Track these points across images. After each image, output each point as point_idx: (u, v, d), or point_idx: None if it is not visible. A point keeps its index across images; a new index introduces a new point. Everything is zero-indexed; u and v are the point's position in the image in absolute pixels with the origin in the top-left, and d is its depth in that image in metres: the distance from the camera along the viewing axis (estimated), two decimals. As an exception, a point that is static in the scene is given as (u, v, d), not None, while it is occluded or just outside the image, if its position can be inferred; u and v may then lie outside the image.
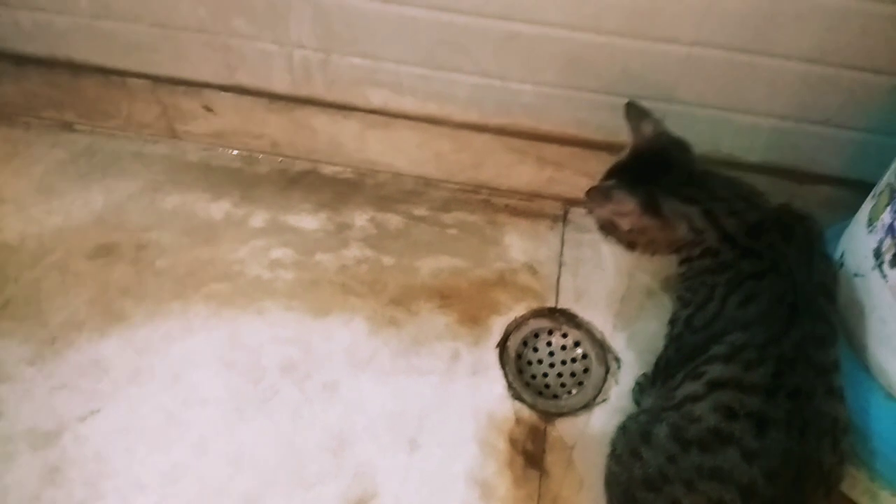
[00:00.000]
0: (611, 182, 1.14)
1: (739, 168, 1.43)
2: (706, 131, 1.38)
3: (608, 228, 1.18)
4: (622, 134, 1.39)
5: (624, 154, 1.19)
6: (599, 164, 1.46)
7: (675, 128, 1.36)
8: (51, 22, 1.42)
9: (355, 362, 1.36)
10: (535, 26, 1.25)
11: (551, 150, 1.47)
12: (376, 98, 1.45)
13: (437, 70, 1.37)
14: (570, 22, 1.24)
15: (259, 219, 1.55)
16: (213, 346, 1.37)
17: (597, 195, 1.12)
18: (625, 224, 1.14)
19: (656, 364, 1.18)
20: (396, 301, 1.44)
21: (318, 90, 1.46)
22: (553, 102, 1.38)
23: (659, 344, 1.17)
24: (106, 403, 1.29)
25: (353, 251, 1.51)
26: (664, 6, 1.18)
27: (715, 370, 0.98)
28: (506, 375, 1.35)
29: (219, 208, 1.57)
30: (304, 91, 1.47)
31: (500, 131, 1.46)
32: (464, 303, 1.44)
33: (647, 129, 1.17)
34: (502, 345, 1.38)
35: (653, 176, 1.11)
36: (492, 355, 1.37)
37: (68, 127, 1.68)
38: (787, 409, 0.93)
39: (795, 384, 0.94)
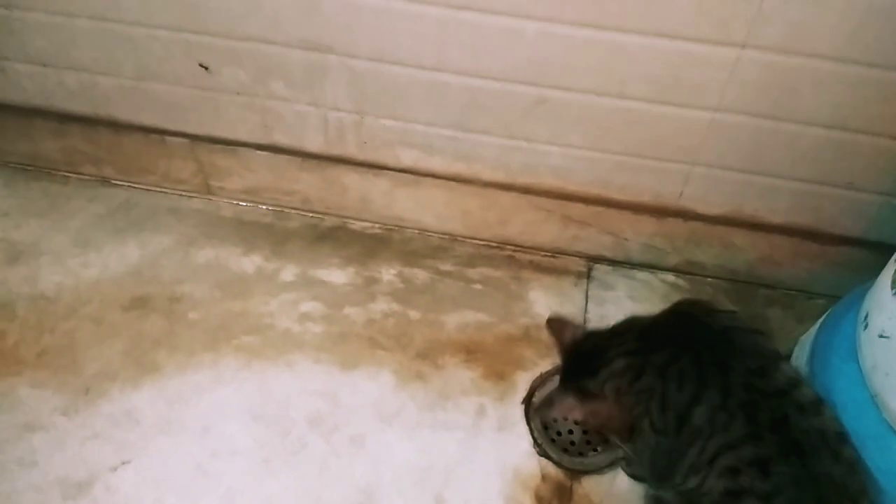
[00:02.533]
0: (551, 392, 1.28)
1: (762, 229, 1.46)
2: (729, 193, 1.41)
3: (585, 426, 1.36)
4: (646, 195, 1.45)
5: (556, 364, 1.30)
6: (623, 223, 1.52)
7: (699, 189, 1.41)
8: (95, 83, 1.49)
9: (382, 416, 1.37)
10: (563, 92, 1.30)
11: (576, 209, 1.50)
12: (406, 158, 1.50)
13: (467, 132, 1.42)
14: (596, 88, 1.28)
15: (289, 273, 1.59)
16: (242, 397, 1.39)
17: (543, 408, 1.30)
18: (578, 417, 1.28)
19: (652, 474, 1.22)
20: (423, 355, 1.46)
21: (350, 150, 1.51)
22: (579, 164, 1.42)
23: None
24: (137, 454, 1.31)
25: (381, 305, 1.54)
26: (688, 75, 1.22)
27: (708, 449, 1.03)
28: (531, 431, 1.35)
29: (250, 262, 1.60)
30: (336, 150, 1.52)
31: (527, 190, 1.49)
32: (489, 357, 1.45)
33: (568, 334, 1.26)
34: (528, 400, 1.40)
35: (580, 371, 1.21)
36: (517, 411, 1.38)
37: (106, 182, 1.74)
38: (776, 441, 0.98)
39: (769, 417, 1.00)
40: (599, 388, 1.18)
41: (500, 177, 1.48)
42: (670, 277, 1.60)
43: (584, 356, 1.22)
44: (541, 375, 1.42)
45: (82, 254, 1.60)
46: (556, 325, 1.29)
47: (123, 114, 1.55)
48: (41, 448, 1.31)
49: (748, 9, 1.11)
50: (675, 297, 1.51)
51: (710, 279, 1.60)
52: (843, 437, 1.02)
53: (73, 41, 1.42)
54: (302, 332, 1.49)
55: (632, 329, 1.20)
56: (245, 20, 1.32)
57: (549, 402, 1.26)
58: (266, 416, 1.36)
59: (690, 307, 1.19)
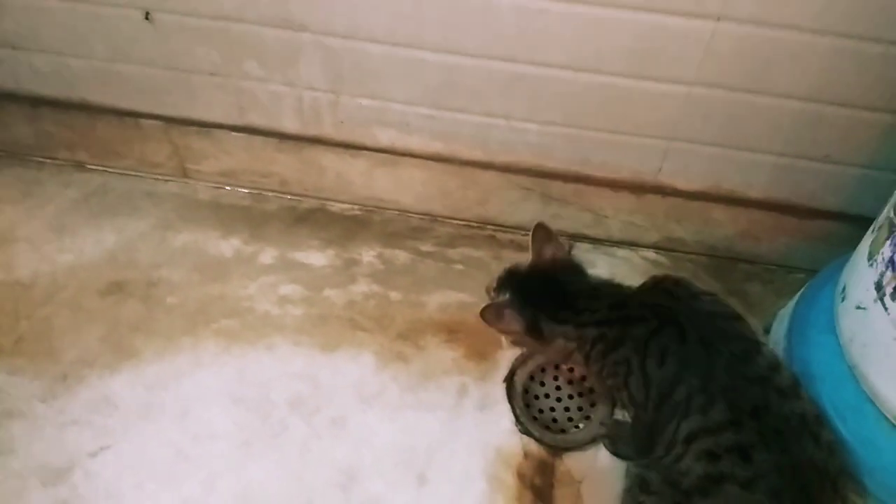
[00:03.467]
0: (504, 301, 1.23)
1: (741, 204, 1.46)
2: (707, 168, 1.41)
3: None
4: (624, 171, 1.45)
5: (523, 268, 1.26)
6: (603, 200, 1.52)
7: (677, 165, 1.41)
8: (67, 65, 1.46)
9: (363, 397, 1.37)
10: (540, 68, 1.29)
11: (556, 187, 1.50)
12: (384, 137, 1.48)
13: (444, 110, 1.41)
14: (572, 63, 1.27)
15: (268, 255, 1.58)
16: (222, 381, 1.38)
17: (490, 314, 1.22)
18: (512, 338, 1.28)
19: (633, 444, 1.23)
20: (404, 336, 1.46)
21: (327, 130, 1.50)
22: (557, 141, 1.41)
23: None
24: (116, 439, 1.30)
25: (361, 287, 1.53)
26: (664, 48, 1.21)
27: (682, 429, 1.03)
28: (513, 410, 1.36)
29: (228, 245, 1.59)
30: (313, 131, 1.50)
31: (506, 169, 1.49)
32: (471, 337, 1.45)
33: (548, 252, 1.25)
34: (509, 379, 1.40)
35: (541, 298, 1.20)
36: (499, 390, 1.38)
37: (81, 167, 1.71)
38: (757, 428, 0.98)
39: (750, 403, 1.00)
40: (551, 332, 1.19)
41: (478, 155, 1.47)
42: (651, 254, 1.60)
43: (555, 287, 1.20)
44: (522, 354, 1.42)
45: (58, 239, 1.58)
46: (541, 234, 1.25)
47: (96, 96, 1.53)
48: (19, 435, 1.30)
49: (722, -19, 1.11)
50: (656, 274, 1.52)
51: (690, 255, 1.60)
52: (821, 419, 1.03)
53: (43, 22, 1.40)
54: (281, 315, 1.48)
55: (608, 295, 1.19)
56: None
57: (497, 312, 1.22)
58: (246, 399, 1.35)
59: (674, 286, 1.18)
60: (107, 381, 1.37)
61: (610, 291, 1.21)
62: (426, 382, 1.39)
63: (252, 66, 1.40)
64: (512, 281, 1.25)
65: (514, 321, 1.21)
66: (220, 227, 1.62)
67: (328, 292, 1.52)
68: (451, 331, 1.46)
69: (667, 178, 1.44)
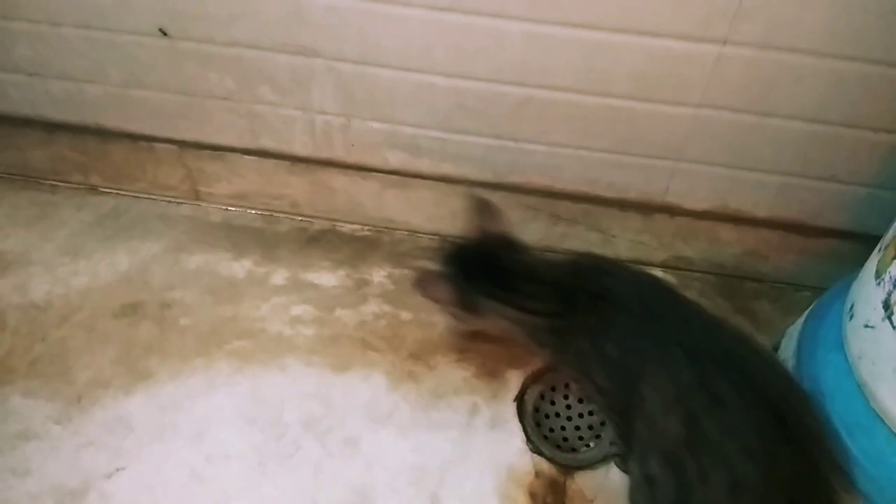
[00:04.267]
0: (440, 272, 1.23)
1: (748, 223, 1.48)
2: (714, 188, 1.43)
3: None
4: (632, 191, 1.46)
5: (463, 241, 1.27)
6: (610, 220, 1.53)
7: (684, 185, 1.42)
8: (81, 90, 1.48)
9: (376, 417, 1.38)
10: (548, 91, 1.31)
11: (564, 207, 1.52)
12: (394, 159, 1.50)
13: (454, 133, 1.42)
14: (580, 86, 1.29)
15: (280, 276, 1.59)
16: (235, 402, 1.39)
17: (424, 283, 1.23)
18: (446, 310, 1.27)
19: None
20: (415, 355, 1.47)
21: (338, 153, 1.52)
22: (565, 162, 1.43)
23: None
24: (131, 461, 1.31)
25: (372, 307, 1.54)
26: (671, 72, 1.23)
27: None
28: (524, 429, 1.36)
29: (241, 267, 1.60)
30: (324, 154, 1.52)
31: (514, 189, 1.50)
32: (481, 356, 1.46)
33: (487, 224, 1.25)
34: (520, 398, 1.41)
35: (478, 272, 1.19)
36: (510, 409, 1.39)
37: (94, 190, 1.73)
38: (721, 374, 1.00)
39: (711, 357, 1.02)
40: (486, 309, 1.19)
41: (487, 176, 1.49)
42: (659, 273, 1.61)
43: (493, 264, 1.20)
44: (532, 373, 1.43)
45: (72, 262, 1.60)
46: (481, 208, 1.26)
47: (111, 121, 1.55)
48: (35, 456, 1.31)
49: (728, 5, 1.13)
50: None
51: (697, 274, 1.61)
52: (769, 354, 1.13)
53: (59, 50, 1.42)
54: (294, 336, 1.49)
55: (548, 281, 1.18)
56: (230, 26, 1.32)
57: (432, 283, 1.23)
58: (260, 419, 1.37)
59: (612, 266, 1.20)
60: (121, 403, 1.38)
61: (550, 275, 1.19)
62: (437, 402, 1.40)
63: (265, 92, 1.42)
64: (451, 253, 1.25)
65: (447, 292, 1.21)
66: (232, 248, 1.63)
67: (339, 312, 1.53)
68: (461, 350, 1.47)
69: (674, 198, 1.46)
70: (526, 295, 1.17)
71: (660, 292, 1.17)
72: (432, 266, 1.25)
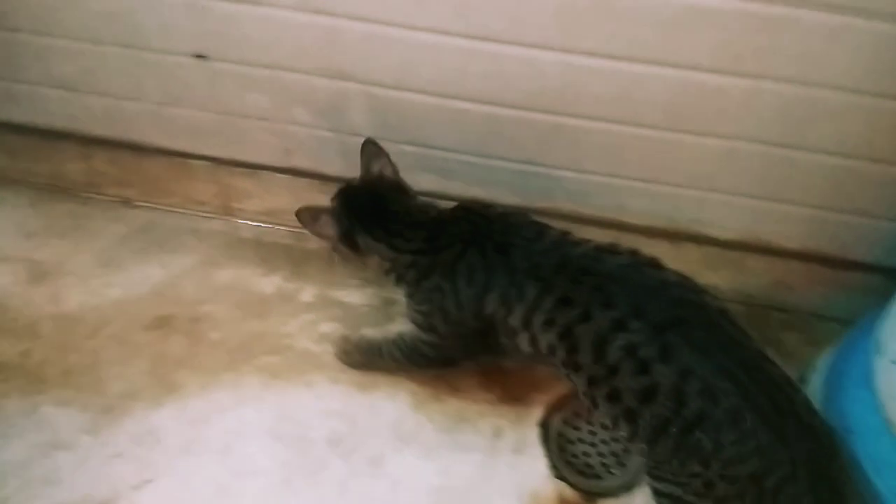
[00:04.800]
0: (322, 207, 1.29)
1: (777, 254, 1.48)
2: (744, 218, 1.43)
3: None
4: (660, 219, 1.47)
5: (352, 182, 1.31)
6: (637, 246, 1.52)
7: (714, 215, 1.43)
8: (120, 107, 1.52)
9: (400, 437, 1.39)
10: (580, 119, 1.32)
11: (590, 233, 1.50)
12: (425, 181, 1.51)
13: (484, 157, 1.44)
14: (613, 116, 1.31)
15: (308, 293, 1.61)
16: (263, 417, 1.41)
17: (306, 216, 1.28)
18: (327, 244, 1.32)
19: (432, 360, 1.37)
20: (440, 377, 1.47)
21: (369, 174, 1.54)
22: (594, 188, 1.44)
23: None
24: (159, 473, 1.33)
25: (398, 326, 1.55)
26: (704, 104, 1.24)
27: (515, 320, 1.18)
28: (548, 454, 1.37)
29: (270, 283, 1.63)
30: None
31: (542, 213, 1.50)
32: (506, 379, 1.47)
33: (376, 168, 1.30)
34: (544, 423, 1.41)
35: (361, 211, 1.26)
36: (534, 433, 1.40)
37: (129, 203, 1.76)
38: (565, 278, 1.13)
39: (550, 267, 1.15)
40: (366, 246, 1.26)
41: (516, 200, 1.50)
42: (684, 300, 1.61)
43: (377, 204, 1.26)
44: (558, 398, 1.44)
45: (105, 274, 1.63)
46: (370, 150, 1.30)
47: (147, 137, 1.58)
48: (65, 466, 1.33)
49: (763, 42, 1.14)
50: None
51: (724, 302, 1.60)
52: (608, 246, 1.18)
53: (100, 67, 1.46)
54: (321, 353, 1.51)
55: (425, 224, 1.26)
56: (268, 49, 1.35)
57: (314, 215, 1.28)
58: (286, 436, 1.38)
59: (484, 209, 1.27)
60: (151, 415, 1.40)
61: (427, 220, 1.27)
62: (462, 424, 1.41)
63: (300, 112, 1.44)
64: (339, 191, 1.30)
65: (329, 227, 1.27)
66: (262, 264, 1.65)
67: (366, 331, 1.54)
68: (485, 373, 1.48)
69: (703, 228, 1.46)
70: (398, 234, 1.25)
71: (525, 224, 1.24)
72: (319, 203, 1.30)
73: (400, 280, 1.30)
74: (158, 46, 1.39)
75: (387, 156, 1.29)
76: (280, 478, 1.33)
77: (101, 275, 1.62)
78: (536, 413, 1.42)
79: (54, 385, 1.44)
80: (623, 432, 1.13)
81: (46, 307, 1.56)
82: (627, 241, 1.50)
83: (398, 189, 1.29)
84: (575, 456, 1.39)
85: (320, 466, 1.35)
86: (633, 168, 1.39)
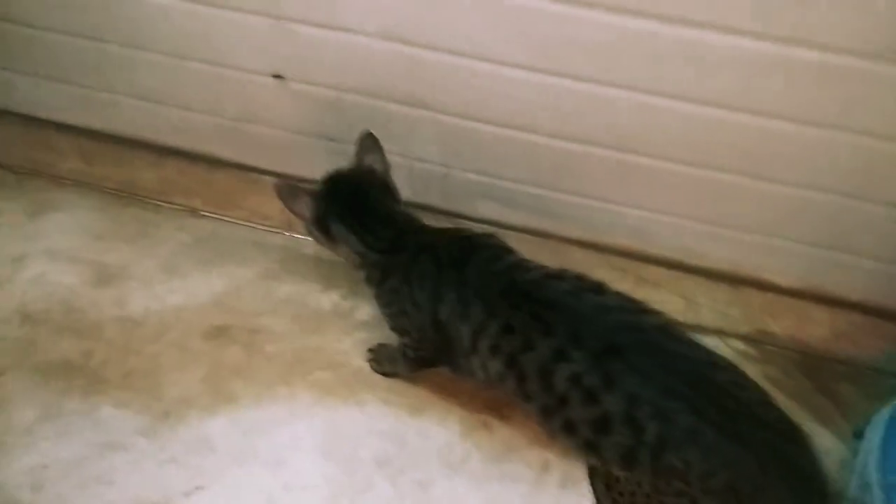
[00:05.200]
0: (302, 186, 1.33)
1: (839, 305, 1.46)
2: (810, 267, 1.42)
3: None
4: (724, 263, 1.46)
5: (341, 169, 1.34)
6: (697, 288, 1.53)
7: (779, 261, 1.42)
8: (198, 120, 1.56)
9: (448, 463, 1.39)
10: (652, 159, 1.33)
11: (651, 271, 1.52)
12: (487, 210, 1.54)
13: (550, 190, 1.46)
14: (686, 158, 1.31)
15: (364, 312, 1.62)
16: (314, 433, 1.42)
17: (284, 191, 1.32)
18: (301, 223, 1.36)
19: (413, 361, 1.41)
20: (490, 405, 1.47)
21: (433, 199, 1.56)
22: (659, 228, 1.44)
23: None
24: (211, 481, 1.35)
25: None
26: (780, 151, 1.24)
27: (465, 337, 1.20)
28: (594, 491, 1.36)
29: (328, 299, 1.65)
30: (420, 199, 1.57)
31: (604, 249, 1.52)
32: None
33: (368, 160, 1.34)
34: (593, 459, 1.40)
35: (340, 199, 1.30)
36: (581, 469, 1.39)
37: (195, 213, 1.80)
38: (507, 304, 1.15)
39: (497, 289, 1.17)
40: (338, 234, 1.30)
41: (578, 233, 1.51)
42: (740, 345, 1.59)
43: (358, 197, 1.29)
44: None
45: (169, 280, 1.66)
46: (368, 143, 1.33)
47: (221, 151, 1.63)
48: (120, 467, 1.36)
49: (844, 93, 1.13)
50: (744, 366, 1.51)
51: (781, 350, 1.59)
52: (556, 272, 1.20)
53: (182, 82, 1.51)
54: (373, 373, 1.52)
55: (397, 228, 1.30)
56: (344, 73, 1.38)
57: (293, 192, 1.32)
58: (335, 453, 1.39)
59: (476, 238, 1.29)
60: (206, 423, 1.42)
61: (401, 225, 1.31)
62: (510, 454, 1.41)
63: (371, 136, 1.47)
64: (327, 176, 1.33)
65: (305, 207, 1.31)
66: (320, 280, 1.67)
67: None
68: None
69: (767, 274, 1.45)
70: (371, 231, 1.28)
71: (476, 242, 1.27)
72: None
73: (369, 280, 1.34)
74: (240, 65, 1.44)
75: (382, 151, 1.33)
76: (328, 494, 1.34)
77: (165, 281, 1.66)
78: (586, 449, 1.42)
79: (114, 386, 1.47)
80: (594, 461, 1.18)
81: (111, 309, 1.60)
82: (689, 282, 1.52)
83: (384, 188, 1.33)
84: (621, 494, 1.37)
85: (367, 486, 1.35)
86: (701, 210, 1.39)
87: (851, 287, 1.43)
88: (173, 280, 1.67)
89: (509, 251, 1.26)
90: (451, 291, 1.20)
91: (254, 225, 1.78)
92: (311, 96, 1.44)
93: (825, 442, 1.43)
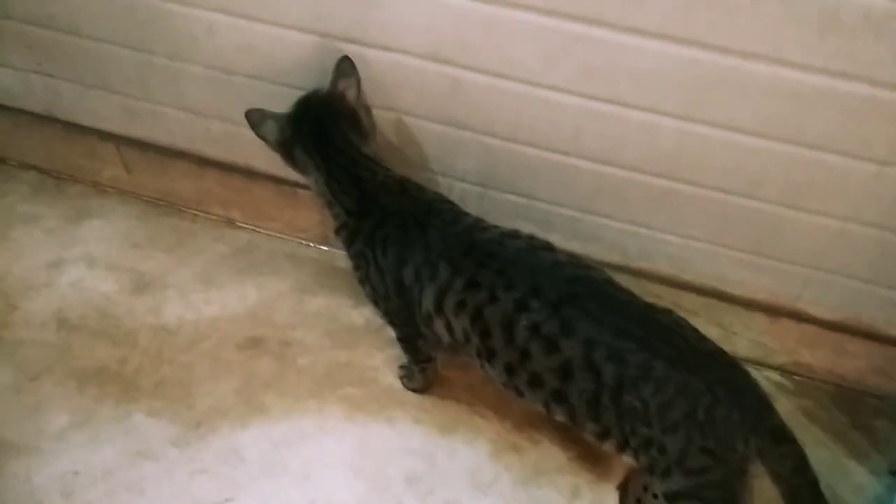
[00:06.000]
0: (271, 112, 1.34)
1: (878, 339, 1.44)
2: (848, 300, 1.40)
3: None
4: (761, 293, 1.45)
5: (316, 92, 1.34)
6: (733, 317, 1.52)
7: (817, 293, 1.40)
8: (240, 133, 1.56)
9: (477, 484, 1.39)
10: (692, 187, 1.32)
11: (687, 299, 1.51)
12: (523, 229, 1.52)
13: (588, 214, 1.45)
14: (725, 186, 1.30)
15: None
16: (343, 448, 1.43)
17: (253, 117, 1.34)
18: (269, 147, 1.37)
19: (401, 340, 1.44)
20: (520, 427, 1.47)
21: (470, 218, 1.56)
22: (697, 255, 1.43)
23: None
24: (240, 493, 1.35)
25: (481, 372, 1.55)
26: (824, 184, 1.23)
27: (427, 302, 1.24)
28: (625, 518, 1.35)
29: (360, 314, 1.65)
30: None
31: (640, 274, 1.51)
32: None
33: (342, 86, 1.33)
34: (623, 487, 1.39)
35: (307, 126, 1.31)
36: (612, 497, 1.38)
37: (232, 224, 1.82)
38: (472, 261, 1.19)
39: (459, 249, 1.21)
40: (302, 162, 1.32)
41: (615, 258, 1.50)
42: (775, 376, 1.58)
43: (326, 127, 1.30)
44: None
45: (204, 290, 1.68)
46: (345, 67, 1.32)
47: (260, 164, 1.64)
48: (150, 476, 1.37)
49: (892, 129, 1.12)
50: (779, 398, 1.50)
51: (816, 382, 1.57)
52: (511, 231, 1.25)
53: (227, 94, 1.52)
54: (403, 390, 1.52)
55: (362, 183, 1.30)
56: (391, 92, 1.39)
57: (260, 118, 1.34)
58: (365, 469, 1.40)
59: (408, 184, 1.32)
60: (237, 434, 1.43)
61: (367, 179, 1.30)
62: (539, 478, 1.40)
63: (412, 153, 1.48)
64: (299, 99, 1.35)
65: (271, 132, 1.34)
66: (353, 295, 1.68)
67: (450, 373, 1.55)
68: (567, 429, 1.45)
69: (805, 305, 1.44)
70: (333, 175, 1.30)
71: (436, 207, 1.30)
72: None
73: (338, 239, 1.37)
74: (285, 81, 1.45)
75: (357, 79, 1.33)
76: (357, 511, 1.34)
77: (200, 291, 1.68)
78: (616, 476, 1.40)
79: (147, 395, 1.48)
80: (560, 417, 1.19)
81: (146, 317, 1.62)
82: (725, 310, 1.51)
83: (353, 119, 1.33)
84: (652, 523, 1.36)
85: (396, 504, 1.36)
86: (740, 239, 1.38)
87: (891, 322, 1.41)
88: (209, 290, 1.68)
89: (465, 213, 1.30)
90: (417, 254, 1.24)
91: (288, 237, 1.80)
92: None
93: (859, 478, 1.42)
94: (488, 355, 1.20)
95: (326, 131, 1.31)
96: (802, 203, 1.27)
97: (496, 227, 1.27)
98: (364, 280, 1.35)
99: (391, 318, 1.39)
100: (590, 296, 1.15)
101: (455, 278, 1.20)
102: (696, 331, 1.15)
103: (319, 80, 1.37)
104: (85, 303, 1.63)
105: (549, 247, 1.24)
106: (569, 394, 1.14)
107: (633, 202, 1.39)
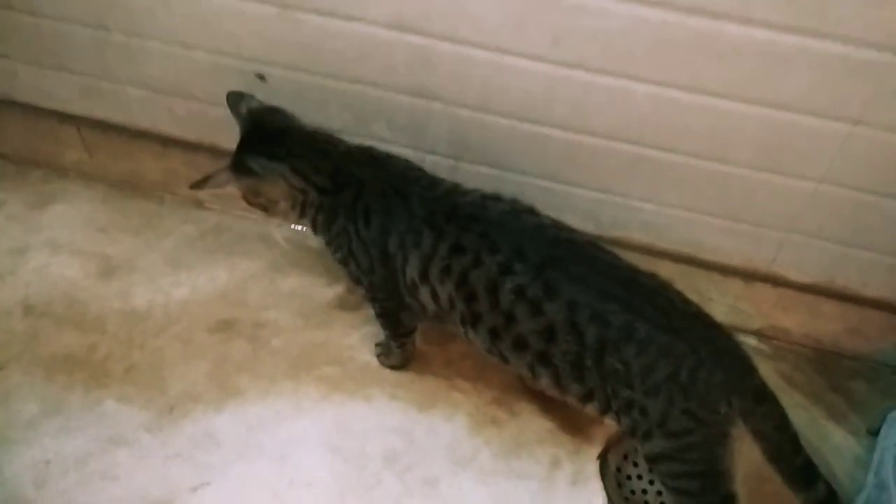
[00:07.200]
0: (249, 95, 1.34)
1: (853, 301, 1.44)
2: (824, 263, 1.40)
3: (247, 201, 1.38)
4: (737, 258, 1.44)
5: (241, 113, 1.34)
6: (710, 283, 1.51)
7: (793, 257, 1.40)
8: (203, 111, 1.54)
9: (456, 459, 1.38)
10: (665, 153, 1.31)
11: (663, 266, 1.50)
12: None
13: (561, 183, 1.43)
14: (699, 151, 1.29)
15: (371, 306, 1.61)
16: (320, 428, 1.41)
17: (199, 185, 1.34)
18: (240, 190, 1.35)
19: (381, 316, 1.43)
20: (499, 400, 1.46)
21: (442, 192, 1.53)
22: (671, 222, 1.42)
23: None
24: (216, 477, 1.33)
25: (460, 346, 1.54)
26: (797, 145, 1.22)
27: (411, 271, 1.23)
28: (606, 489, 1.35)
29: (333, 293, 1.63)
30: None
31: (614, 243, 1.48)
32: (567, 408, 1.42)
33: (243, 109, 1.33)
34: (604, 456, 1.39)
35: (252, 143, 1.29)
36: (593, 466, 1.37)
37: (199, 205, 1.78)
38: (455, 226, 1.18)
39: (442, 215, 1.20)
40: (263, 169, 1.28)
41: (589, 228, 1.49)
42: (752, 341, 1.58)
43: (261, 133, 1.29)
44: (618, 431, 1.41)
45: (173, 273, 1.64)
46: (232, 99, 1.33)
47: (226, 142, 1.59)
48: (124, 463, 1.34)
49: (866, 88, 1.11)
50: (757, 362, 1.49)
51: (793, 346, 1.57)
52: (492, 195, 1.24)
53: (188, 72, 1.48)
54: (381, 367, 1.50)
55: (331, 157, 1.29)
56: (357, 64, 1.36)
57: (202, 182, 1.33)
58: (343, 449, 1.38)
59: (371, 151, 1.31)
60: (211, 418, 1.41)
61: (334, 152, 1.30)
62: (519, 450, 1.39)
63: (380, 127, 1.45)
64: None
65: (218, 175, 1.32)
66: (326, 274, 1.66)
67: (427, 349, 1.53)
68: (546, 399, 1.45)
69: (780, 269, 1.44)
70: (301, 155, 1.28)
71: (410, 175, 1.29)
72: None
73: (315, 228, 1.35)
74: (247, 55, 1.41)
75: (249, 95, 1.33)
76: (335, 491, 1.32)
77: (169, 274, 1.64)
78: (596, 445, 1.40)
79: (118, 381, 1.45)
80: (544, 380, 1.19)
81: (114, 302, 1.58)
82: (701, 277, 1.50)
83: (278, 112, 1.32)
84: (633, 492, 1.36)
85: (375, 482, 1.34)
86: (714, 204, 1.37)
87: (865, 283, 1.41)
88: (178, 273, 1.65)
89: (440, 178, 1.29)
90: (400, 222, 1.22)
91: (259, 217, 1.74)
92: (321, 88, 1.41)
93: (838, 439, 1.42)
94: (473, 320, 1.20)
95: (269, 128, 1.29)
96: (776, 166, 1.26)
97: (476, 190, 1.25)
98: (347, 257, 1.32)
99: (375, 292, 1.36)
100: (573, 258, 1.14)
101: (439, 243, 1.19)
102: (680, 293, 1.15)
103: (282, 53, 1.34)
104: (51, 289, 1.59)
105: (532, 210, 1.23)
106: (553, 356, 1.14)
107: (606, 170, 1.38)
